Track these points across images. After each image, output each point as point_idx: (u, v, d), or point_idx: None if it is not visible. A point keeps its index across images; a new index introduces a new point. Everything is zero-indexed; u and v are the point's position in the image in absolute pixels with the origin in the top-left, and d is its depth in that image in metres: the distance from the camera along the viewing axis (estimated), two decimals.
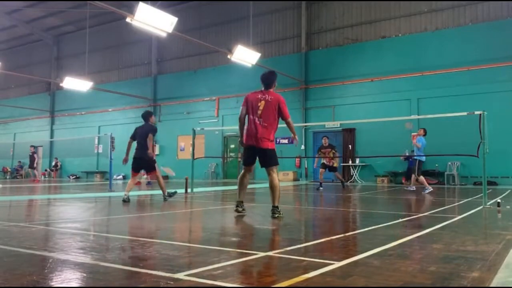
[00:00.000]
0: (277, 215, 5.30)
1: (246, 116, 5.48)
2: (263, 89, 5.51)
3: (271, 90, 5.51)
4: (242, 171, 5.70)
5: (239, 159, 21.53)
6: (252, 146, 5.41)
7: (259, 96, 5.41)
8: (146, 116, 8.78)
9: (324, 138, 13.15)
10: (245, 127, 5.45)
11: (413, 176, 11.33)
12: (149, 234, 4.51)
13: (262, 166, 5.56)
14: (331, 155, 12.63)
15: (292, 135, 5.73)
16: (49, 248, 3.50)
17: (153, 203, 8.72)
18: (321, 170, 12.83)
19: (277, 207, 5.37)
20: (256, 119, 5.33)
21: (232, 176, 20.94)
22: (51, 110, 29.73)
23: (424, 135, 11.18)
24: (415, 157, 11.15)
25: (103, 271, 2.66)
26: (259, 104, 5.34)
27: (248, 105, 5.41)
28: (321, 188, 12.46)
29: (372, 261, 2.94)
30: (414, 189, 11.48)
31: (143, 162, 8.35)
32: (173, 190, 8.71)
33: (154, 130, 8.63)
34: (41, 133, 29.53)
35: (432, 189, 10.77)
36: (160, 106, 24.74)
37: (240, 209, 5.58)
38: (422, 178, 10.92)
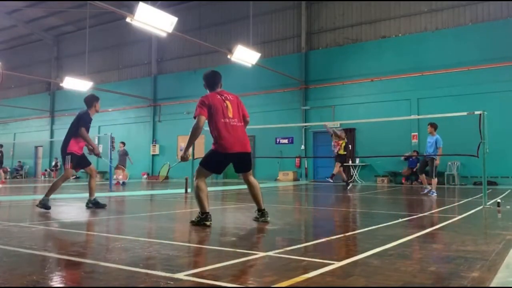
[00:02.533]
0: (268, 218, 4.94)
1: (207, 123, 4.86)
2: (217, 89, 4.92)
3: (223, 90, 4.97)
4: (202, 177, 4.79)
5: None
6: (237, 153, 4.73)
7: (220, 97, 4.81)
8: (89, 101, 6.87)
9: (341, 130, 12.53)
10: (220, 133, 4.69)
11: (436, 180, 10.21)
12: (149, 234, 4.51)
13: (242, 172, 4.92)
14: (343, 143, 12.07)
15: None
16: (49, 248, 3.50)
17: (153, 203, 8.73)
18: (336, 163, 12.09)
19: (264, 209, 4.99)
20: (230, 121, 4.72)
21: (232, 176, 20.92)
22: (51, 110, 29.74)
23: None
24: (432, 157, 10.08)
25: (103, 271, 2.66)
26: (225, 105, 4.76)
27: (212, 110, 4.72)
28: (349, 187, 11.94)
29: (372, 261, 2.94)
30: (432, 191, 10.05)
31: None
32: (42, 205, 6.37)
33: (80, 119, 6.65)
34: (41, 133, 29.53)
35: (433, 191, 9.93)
36: (160, 106, 24.73)
37: (208, 222, 4.64)
38: (423, 176, 10.72)
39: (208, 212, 4.69)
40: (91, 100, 6.86)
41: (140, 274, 2.58)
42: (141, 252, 3.27)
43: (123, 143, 16.73)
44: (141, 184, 17.98)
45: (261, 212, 4.97)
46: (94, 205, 6.83)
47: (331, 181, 12.41)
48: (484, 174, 7.27)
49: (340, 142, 12.14)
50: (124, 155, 16.42)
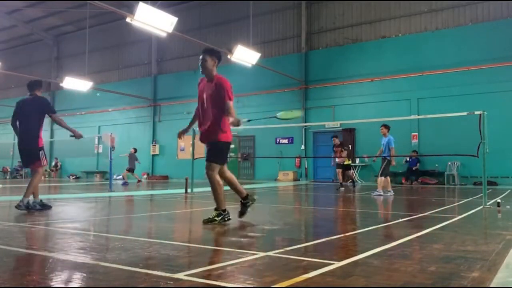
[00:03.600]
0: (255, 196, 5.13)
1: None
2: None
3: None
4: (217, 172, 4.78)
5: (239, 159, 21.48)
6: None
7: None
8: (35, 85, 6.32)
9: (333, 138, 13.35)
10: (225, 122, 4.78)
11: (383, 179, 10.08)
12: (149, 234, 4.51)
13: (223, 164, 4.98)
14: (343, 153, 12.78)
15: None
16: (49, 248, 3.50)
17: (153, 203, 8.73)
18: (337, 170, 12.93)
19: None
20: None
21: None
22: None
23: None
24: (387, 157, 10.30)
25: (103, 271, 2.66)
26: None
27: None
28: (342, 189, 12.28)
29: (372, 261, 2.94)
30: (382, 193, 9.96)
31: (26, 153, 6.13)
32: (39, 206, 6.10)
33: (44, 105, 6.21)
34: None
35: (382, 195, 9.76)
36: (160, 106, 24.73)
37: (228, 217, 4.81)
38: (388, 179, 10.41)
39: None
40: (38, 84, 6.35)
41: (140, 274, 2.58)
42: (141, 252, 3.27)
43: (135, 149, 18.03)
44: (141, 184, 17.97)
45: (246, 196, 4.99)
46: (26, 207, 6.09)
47: (343, 188, 12.53)
48: (484, 174, 7.27)
49: (343, 153, 12.73)
50: (131, 155, 17.59)
